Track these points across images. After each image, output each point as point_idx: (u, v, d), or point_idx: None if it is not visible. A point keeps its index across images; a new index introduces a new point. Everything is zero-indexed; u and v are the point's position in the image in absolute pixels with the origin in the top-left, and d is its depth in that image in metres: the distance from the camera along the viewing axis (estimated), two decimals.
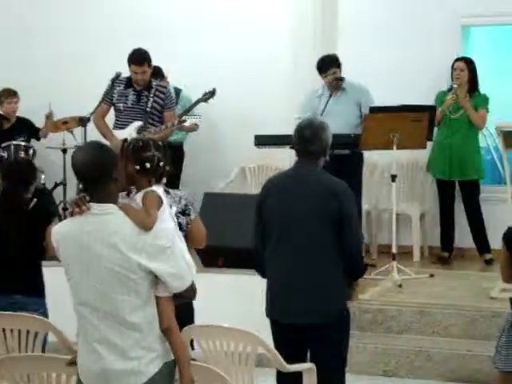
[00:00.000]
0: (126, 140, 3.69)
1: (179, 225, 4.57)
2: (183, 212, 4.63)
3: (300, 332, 4.44)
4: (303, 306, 4.41)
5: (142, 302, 3.42)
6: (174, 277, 3.43)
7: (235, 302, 5.20)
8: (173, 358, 3.51)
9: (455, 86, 7.68)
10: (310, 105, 7.26)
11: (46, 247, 4.84)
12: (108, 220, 3.40)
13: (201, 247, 4.85)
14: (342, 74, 7.32)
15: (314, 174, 4.47)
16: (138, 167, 3.52)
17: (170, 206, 3.73)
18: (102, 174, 3.41)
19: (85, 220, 3.42)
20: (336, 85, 7.28)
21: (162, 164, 3.58)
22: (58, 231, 3.51)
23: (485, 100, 7.72)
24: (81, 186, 3.52)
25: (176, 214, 4.56)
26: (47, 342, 4.63)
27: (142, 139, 3.74)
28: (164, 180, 3.66)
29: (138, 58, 6.94)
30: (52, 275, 4.82)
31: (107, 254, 3.37)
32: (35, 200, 4.93)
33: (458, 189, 7.93)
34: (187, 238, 4.67)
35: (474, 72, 7.74)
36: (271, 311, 4.55)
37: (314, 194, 4.41)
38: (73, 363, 3.60)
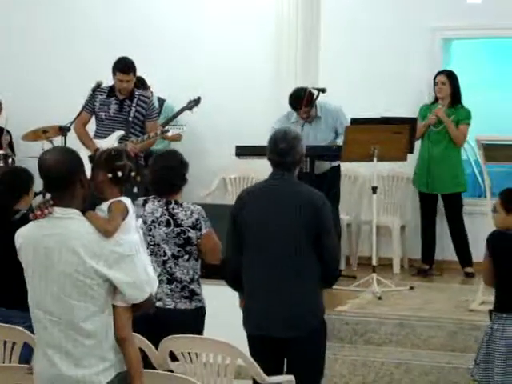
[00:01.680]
0: (97, 149, 3.71)
1: (189, 239, 4.62)
2: (194, 226, 4.63)
3: (276, 345, 4.42)
4: (279, 319, 4.39)
5: (98, 309, 3.38)
6: (131, 286, 3.39)
7: (213, 313, 5.16)
8: (125, 369, 3.46)
9: (440, 105, 7.68)
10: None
11: None
12: (69, 224, 3.38)
13: (214, 262, 4.80)
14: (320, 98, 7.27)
15: (291, 185, 4.47)
16: (110, 175, 3.53)
17: (137, 218, 3.71)
18: (67, 178, 3.39)
19: (46, 223, 3.40)
20: (310, 119, 7.29)
21: (133, 174, 3.60)
22: (21, 234, 3.50)
23: (467, 115, 7.73)
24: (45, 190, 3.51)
25: (186, 228, 4.59)
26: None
27: (114, 148, 3.75)
28: (135, 190, 3.66)
29: (125, 66, 6.96)
30: None
31: (65, 258, 3.35)
32: (22, 211, 4.85)
33: (440, 201, 7.94)
34: (200, 252, 4.69)
35: (456, 85, 7.75)
36: (247, 324, 4.53)
37: (291, 205, 4.39)
38: (31, 372, 3.59)
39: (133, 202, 3.63)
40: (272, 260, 4.40)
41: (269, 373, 4.32)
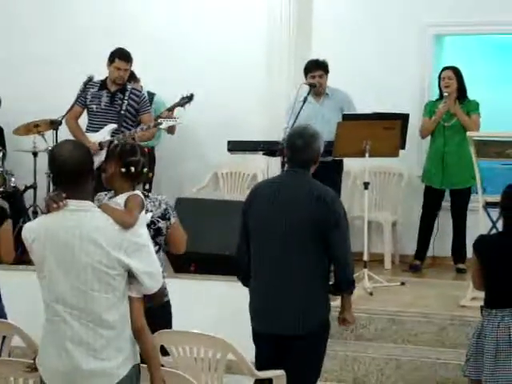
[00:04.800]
0: (111, 142, 3.73)
1: (159, 229, 4.57)
2: (163, 216, 4.58)
3: (279, 342, 4.41)
4: (282, 317, 4.39)
5: (118, 300, 3.41)
6: (150, 275, 3.44)
7: (206, 308, 5.19)
8: (139, 361, 3.50)
9: (446, 94, 7.71)
10: (294, 109, 7.19)
11: None
12: (87, 216, 3.39)
13: (180, 252, 4.77)
14: (328, 82, 7.39)
15: (304, 182, 4.44)
16: (124, 170, 3.55)
17: (146, 212, 3.74)
18: (81, 171, 3.41)
19: (62, 216, 3.40)
20: (315, 90, 7.31)
21: (145, 170, 3.63)
22: (32, 228, 3.48)
23: (476, 105, 7.76)
24: (53, 185, 3.51)
25: (155, 219, 4.57)
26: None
27: (129, 143, 3.80)
28: (146, 186, 3.70)
29: (125, 54, 7.02)
30: (20, 279, 4.78)
31: (87, 250, 3.36)
32: None
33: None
34: (166, 242, 4.66)
35: (462, 80, 7.78)
36: (252, 320, 4.53)
37: (300, 202, 4.37)
38: (32, 368, 3.57)
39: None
40: (278, 257, 4.38)
41: (270, 369, 4.33)
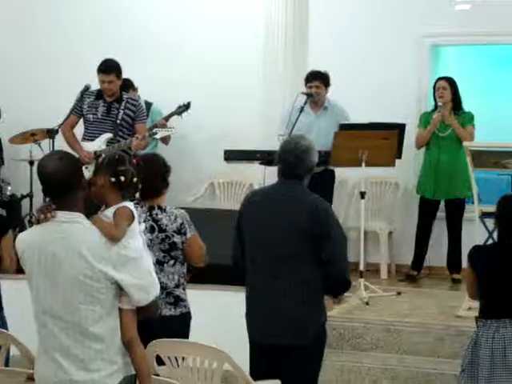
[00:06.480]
0: (100, 156, 3.70)
1: (174, 244, 4.58)
2: (178, 231, 4.59)
3: (275, 353, 4.40)
4: (278, 327, 4.38)
5: (106, 313, 3.39)
6: (138, 288, 3.41)
7: (202, 317, 5.16)
8: (132, 372, 3.49)
9: (440, 104, 7.72)
10: (290, 118, 7.19)
11: (1, 259, 4.77)
12: (75, 228, 3.38)
13: (200, 265, 4.78)
14: (329, 95, 7.43)
15: (297, 193, 4.44)
16: (113, 179, 3.52)
17: (139, 223, 3.71)
18: (68, 183, 3.40)
19: (51, 227, 3.39)
20: (312, 100, 7.31)
21: (135, 180, 3.60)
22: (23, 239, 3.49)
23: (471, 117, 7.78)
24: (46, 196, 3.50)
25: (171, 233, 4.57)
26: (9, 355, 4.56)
27: (117, 153, 3.76)
28: (137, 195, 3.67)
29: (105, 66, 6.99)
30: (16, 287, 4.76)
31: (72, 263, 3.34)
32: None
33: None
34: (185, 256, 4.66)
35: (457, 90, 7.80)
36: (249, 331, 4.52)
37: (292, 211, 4.37)
38: (32, 378, 3.56)
39: None
40: (271, 266, 4.37)
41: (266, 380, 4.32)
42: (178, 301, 4.67)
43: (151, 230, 4.57)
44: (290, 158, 4.44)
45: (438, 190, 7.80)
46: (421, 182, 7.97)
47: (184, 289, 4.73)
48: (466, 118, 7.78)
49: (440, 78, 7.87)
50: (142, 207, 4.62)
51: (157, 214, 4.61)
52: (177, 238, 4.58)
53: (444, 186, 7.76)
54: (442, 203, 7.92)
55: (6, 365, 4.43)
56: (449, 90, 7.75)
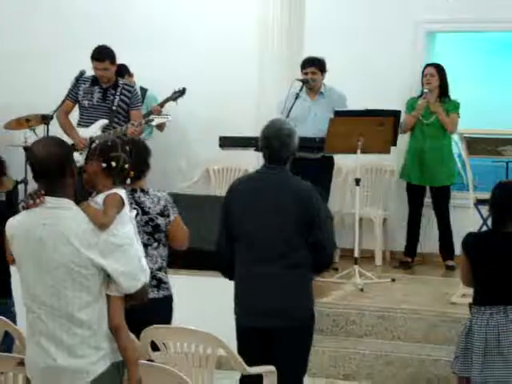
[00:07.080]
0: (93, 141, 3.68)
1: (157, 226, 4.58)
2: (162, 213, 4.59)
3: (264, 335, 4.42)
4: (266, 310, 4.40)
5: (93, 299, 3.39)
6: (125, 276, 3.40)
7: (194, 303, 5.17)
8: (120, 358, 3.48)
9: (426, 90, 7.72)
10: (286, 105, 7.18)
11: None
12: (62, 214, 3.37)
13: (182, 248, 4.78)
14: (325, 81, 7.41)
15: (282, 177, 4.48)
16: (104, 165, 3.51)
17: (130, 210, 3.70)
18: (59, 169, 3.38)
19: (39, 213, 3.39)
20: (307, 86, 7.31)
21: (127, 166, 3.58)
22: (12, 224, 3.48)
23: (456, 105, 7.78)
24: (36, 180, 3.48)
25: (154, 215, 4.56)
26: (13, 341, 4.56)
27: (110, 139, 3.74)
28: (128, 181, 3.65)
29: (98, 53, 6.97)
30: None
31: (60, 249, 3.34)
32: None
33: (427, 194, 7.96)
34: (168, 239, 4.66)
35: (444, 78, 7.79)
36: (238, 315, 4.53)
37: (282, 196, 4.40)
38: (22, 363, 3.57)
39: None
40: (260, 251, 4.40)
41: (256, 364, 4.32)
42: (161, 283, 4.65)
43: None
44: (274, 143, 4.47)
45: (423, 177, 7.81)
46: (405, 167, 7.98)
47: (166, 272, 4.72)
48: (451, 105, 7.77)
49: (428, 65, 7.87)
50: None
51: (139, 197, 4.59)
52: (160, 220, 4.58)
53: (429, 172, 7.78)
54: (429, 190, 7.92)
55: (8, 351, 4.44)
56: (436, 77, 7.75)
